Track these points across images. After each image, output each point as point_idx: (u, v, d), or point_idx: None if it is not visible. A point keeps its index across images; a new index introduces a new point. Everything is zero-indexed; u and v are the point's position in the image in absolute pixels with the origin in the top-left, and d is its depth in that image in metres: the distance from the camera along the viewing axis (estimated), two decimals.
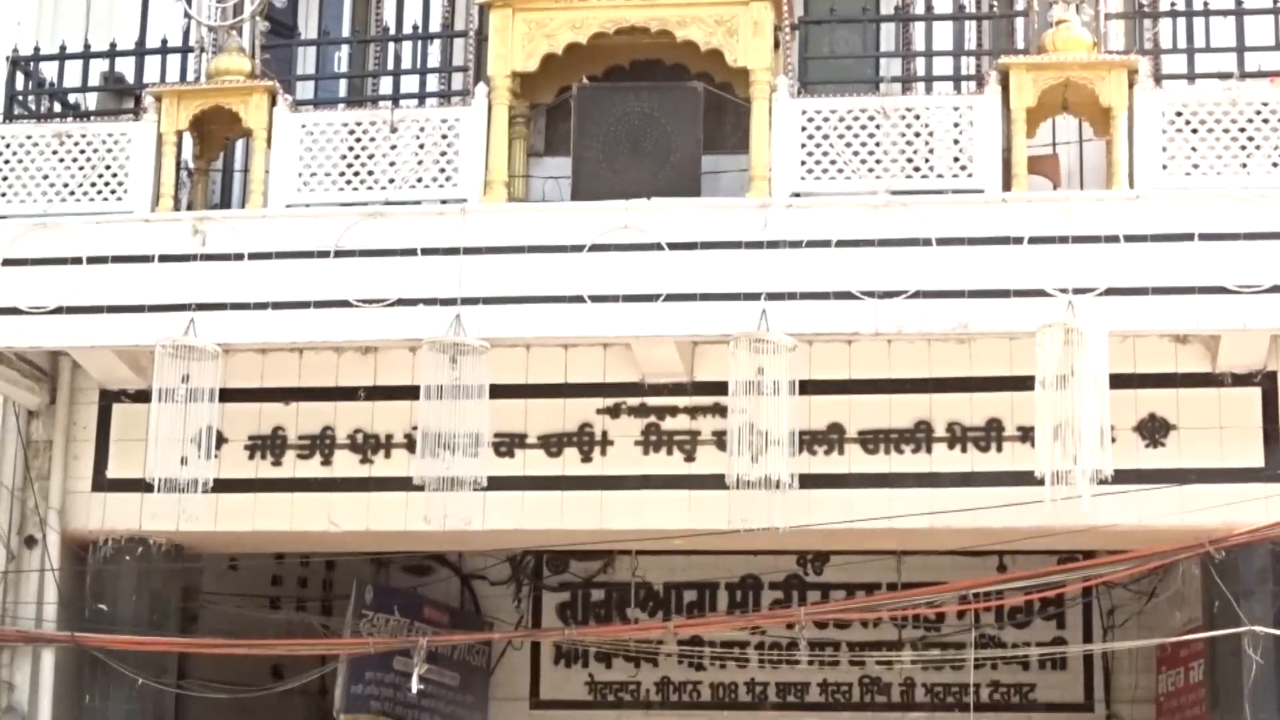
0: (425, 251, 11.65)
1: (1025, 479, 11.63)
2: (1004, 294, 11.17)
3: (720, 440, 12.14)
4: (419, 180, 12.04)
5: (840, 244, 11.34)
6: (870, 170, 11.62)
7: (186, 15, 12.95)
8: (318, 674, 14.48)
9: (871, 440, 12.27)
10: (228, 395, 11.98)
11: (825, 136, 11.72)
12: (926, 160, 11.64)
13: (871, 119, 11.73)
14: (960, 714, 15.94)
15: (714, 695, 16.58)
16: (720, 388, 11.61)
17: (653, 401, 12.54)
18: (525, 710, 16.98)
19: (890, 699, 16.39)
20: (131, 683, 12.69)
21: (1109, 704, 16.10)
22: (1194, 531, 11.85)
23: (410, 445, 12.38)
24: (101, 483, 12.98)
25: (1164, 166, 11.42)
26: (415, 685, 13.02)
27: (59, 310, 11.87)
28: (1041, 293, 11.07)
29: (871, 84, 12.71)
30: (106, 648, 12.72)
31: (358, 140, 12.16)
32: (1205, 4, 12.45)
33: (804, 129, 11.74)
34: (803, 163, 11.67)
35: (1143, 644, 15.12)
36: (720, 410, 12.09)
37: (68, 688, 12.92)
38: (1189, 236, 11.12)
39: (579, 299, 11.46)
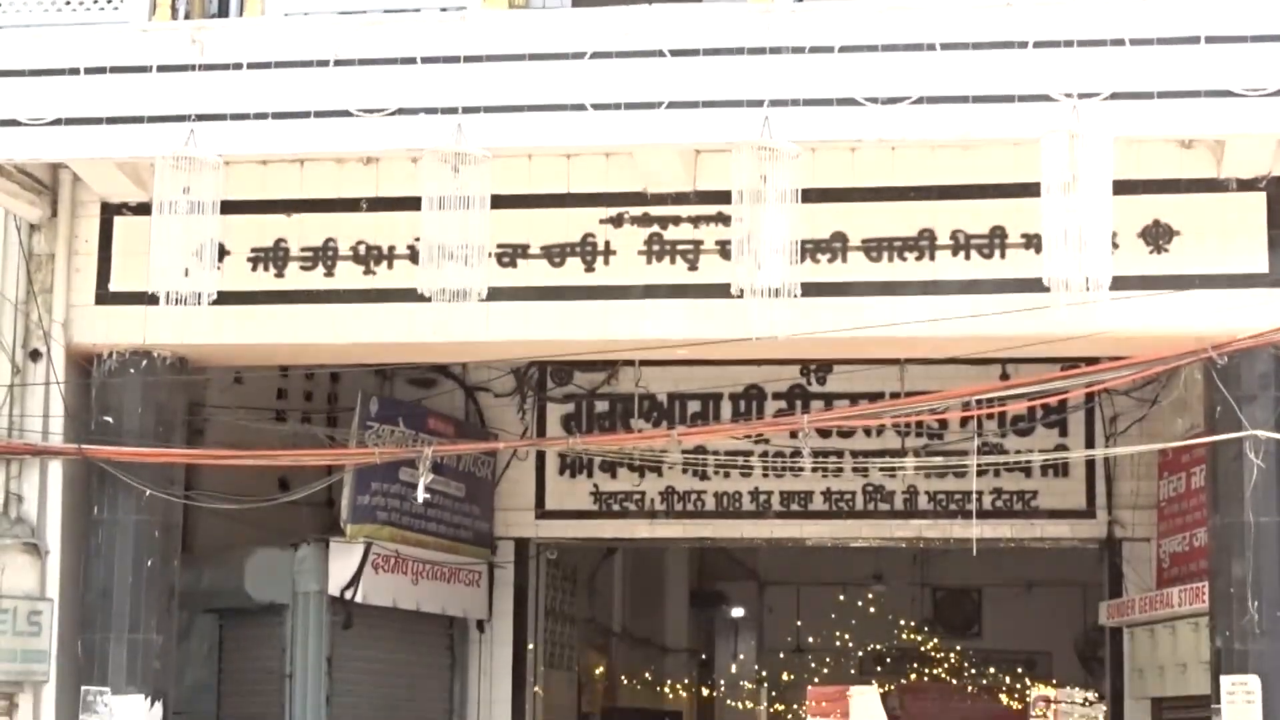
0: (425, 60, 11.51)
1: (1029, 285, 11.65)
2: (1008, 99, 11.05)
3: (723, 249, 12.14)
4: None
5: (843, 49, 11.19)
6: None
7: None
8: (324, 484, 14.58)
9: (875, 248, 12.25)
10: (229, 207, 11.91)
11: None
12: None
13: None
14: (963, 520, 16.05)
15: (718, 504, 16.69)
16: (723, 196, 11.55)
17: (655, 211, 12.51)
18: (531, 520, 17.11)
19: (893, 506, 16.51)
20: (139, 494, 12.77)
21: (1111, 510, 16.22)
22: (1197, 337, 11.87)
23: (413, 256, 12.38)
24: (104, 296, 12.99)
25: None
26: (421, 495, 13.09)
27: (57, 122, 11.76)
28: (1046, 98, 10.94)
29: None
30: (113, 460, 12.78)
31: None
32: None
33: None
34: None
35: (1145, 449, 15.20)
36: (723, 219, 12.09)
37: (75, 499, 13.00)
38: (1195, 39, 10.97)
39: (581, 107, 11.35)
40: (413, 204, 11.66)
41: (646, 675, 25.69)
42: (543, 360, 16.11)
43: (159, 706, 12.73)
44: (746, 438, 16.07)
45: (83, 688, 12.70)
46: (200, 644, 15.32)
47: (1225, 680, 11.87)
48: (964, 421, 15.38)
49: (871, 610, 29.59)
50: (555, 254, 12.55)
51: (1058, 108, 10.86)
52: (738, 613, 30.31)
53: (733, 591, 29.96)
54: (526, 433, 16.89)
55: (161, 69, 11.76)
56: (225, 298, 12.30)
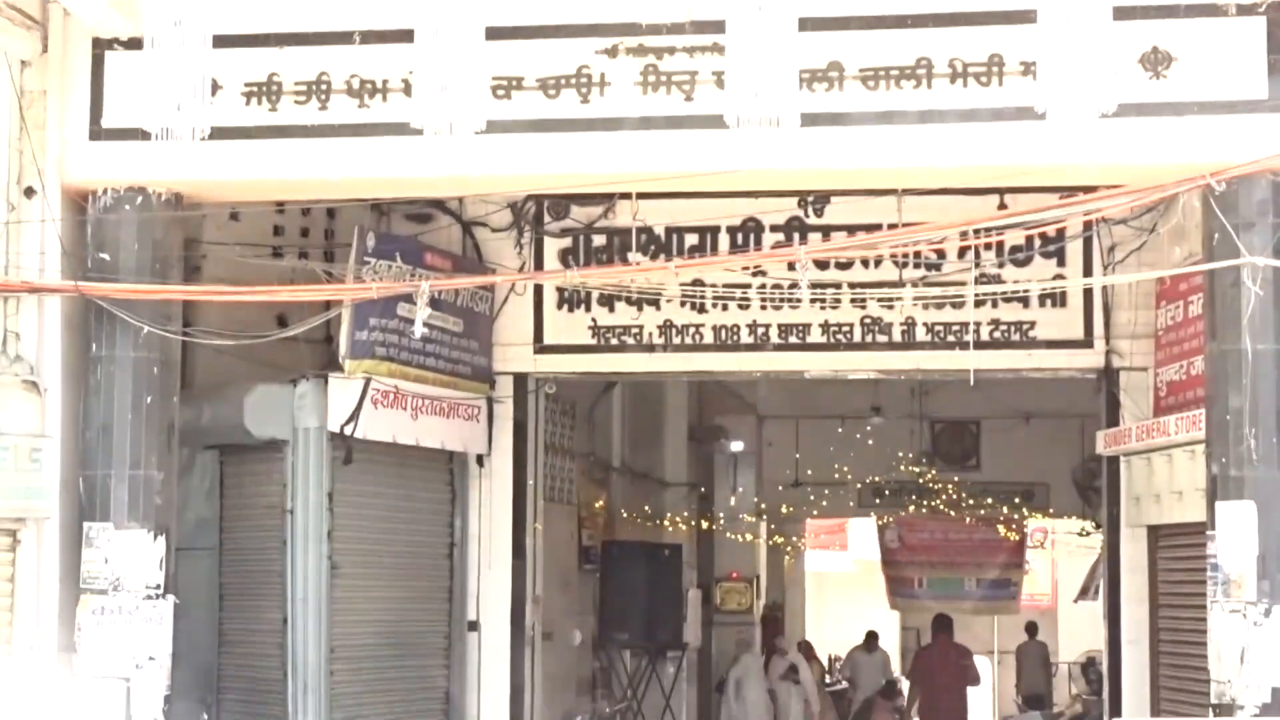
0: None
1: (1027, 114, 11.61)
2: None
3: (719, 79, 12.06)
4: None
5: None
6: None
7: None
8: (321, 320, 14.57)
9: (871, 77, 12.17)
10: (220, 41, 11.85)
11: None
12: None
13: None
14: (961, 352, 16.05)
15: (716, 337, 16.67)
16: (719, 26, 11.49)
17: (651, 41, 12.41)
18: (529, 355, 17.10)
19: (891, 338, 16.46)
20: (137, 331, 12.79)
21: (1108, 339, 16.19)
22: (1195, 164, 11.82)
23: (407, 89, 12.32)
24: (98, 132, 12.91)
25: None
26: (418, 330, 13.10)
27: None
28: None
29: None
30: (110, 297, 12.78)
31: None
32: None
33: None
34: None
35: (1142, 277, 15.18)
36: (719, 49, 12.00)
37: (74, 337, 13.03)
38: None
39: None
40: (406, 36, 11.61)
41: (646, 509, 25.83)
42: (539, 194, 16.05)
43: (161, 541, 12.84)
44: (744, 270, 16.05)
45: (85, 524, 12.80)
46: (201, 480, 15.40)
47: (1221, 507, 11.96)
48: (962, 252, 15.37)
49: (870, 443, 29.68)
50: (550, 86, 12.48)
51: None
52: (737, 447, 30.41)
53: (732, 426, 30.06)
54: (524, 267, 16.85)
55: None
56: (219, 133, 12.29)
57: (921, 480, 30.70)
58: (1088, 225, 15.17)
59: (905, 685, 29.38)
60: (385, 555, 15.79)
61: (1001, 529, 33.32)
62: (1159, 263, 15.07)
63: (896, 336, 16.48)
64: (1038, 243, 15.60)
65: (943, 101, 12.09)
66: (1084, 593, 33.99)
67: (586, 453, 21.55)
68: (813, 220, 16.48)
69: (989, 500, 31.04)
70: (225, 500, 15.51)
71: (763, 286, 16.16)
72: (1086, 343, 16.21)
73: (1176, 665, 14.91)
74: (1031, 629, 34.75)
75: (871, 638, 30.42)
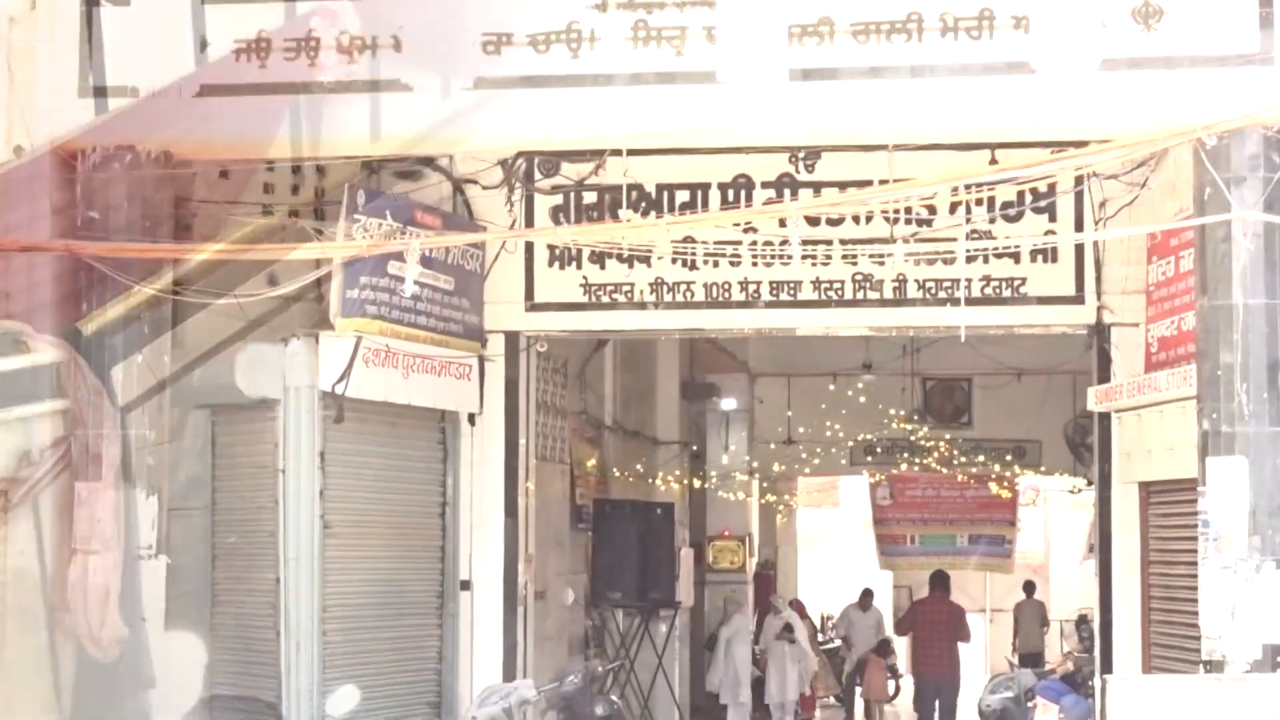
0: None
1: (1018, 68, 11.57)
2: None
3: (710, 34, 12.03)
4: None
5: None
6: None
7: None
8: (312, 278, 14.53)
9: (862, 31, 12.13)
10: None
11: None
12: None
13: None
14: (952, 308, 16.03)
15: (707, 294, 16.64)
16: None
17: None
18: (520, 313, 17.07)
19: (883, 295, 16.44)
20: (128, 290, 12.75)
21: (1099, 295, 16.18)
22: (1186, 118, 11.79)
23: (397, 46, 12.27)
24: (87, 89, 12.86)
25: None
26: (409, 288, 13.08)
27: None
28: None
29: None
30: (101, 256, 12.74)
31: None
32: None
33: None
34: None
35: (1133, 232, 15.17)
36: (709, 3, 11.98)
37: (64, 296, 12.98)
38: None
39: None
40: None
41: (638, 467, 25.83)
42: (529, 151, 16.01)
43: (153, 501, 12.84)
44: (735, 227, 16.01)
45: (76, 484, 12.78)
46: (193, 439, 15.37)
47: (1212, 463, 11.97)
48: (953, 208, 15.34)
49: (862, 400, 29.70)
50: (540, 42, 12.43)
51: None
52: (728, 404, 30.42)
53: (723, 383, 30.05)
54: (515, 224, 16.80)
55: None
56: (209, 90, 12.22)
57: (913, 437, 30.73)
58: (1079, 180, 15.15)
59: (897, 643, 29.48)
60: (377, 514, 15.77)
61: (994, 486, 33.37)
62: (1150, 218, 15.05)
63: (888, 293, 16.45)
64: (1029, 198, 15.57)
65: (933, 56, 12.06)
66: (1091, 550, 34.08)
67: (578, 411, 21.55)
68: (804, 176, 16.45)
69: (981, 457, 31.07)
70: (217, 460, 15.48)
71: (754, 243, 16.10)
72: (1078, 298, 16.19)
73: (1168, 622, 14.93)
74: (1029, 588, 34.83)
75: (867, 595, 30.47)
